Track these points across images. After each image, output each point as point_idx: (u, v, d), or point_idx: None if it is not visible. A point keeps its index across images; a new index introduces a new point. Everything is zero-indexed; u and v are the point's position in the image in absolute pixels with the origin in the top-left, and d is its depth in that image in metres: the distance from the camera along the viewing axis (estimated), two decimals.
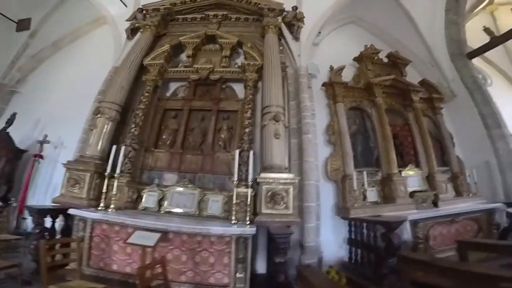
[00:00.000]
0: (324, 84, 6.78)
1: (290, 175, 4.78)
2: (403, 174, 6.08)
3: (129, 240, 3.64)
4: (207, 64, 6.45)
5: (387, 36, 8.38)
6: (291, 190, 4.53)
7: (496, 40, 7.74)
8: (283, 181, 4.55)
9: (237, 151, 4.96)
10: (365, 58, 7.18)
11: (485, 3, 10.03)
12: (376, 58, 7.40)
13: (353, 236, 5.44)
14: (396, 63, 7.50)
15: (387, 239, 4.42)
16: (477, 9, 9.74)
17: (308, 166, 5.70)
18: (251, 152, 4.98)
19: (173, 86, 6.82)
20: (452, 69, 7.82)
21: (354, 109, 6.80)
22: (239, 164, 4.84)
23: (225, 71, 6.43)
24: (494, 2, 10.16)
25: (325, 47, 7.62)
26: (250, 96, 5.92)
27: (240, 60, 6.57)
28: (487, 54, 9.12)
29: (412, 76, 7.66)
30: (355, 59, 7.38)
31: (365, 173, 5.79)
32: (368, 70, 7.09)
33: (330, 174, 5.99)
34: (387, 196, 5.86)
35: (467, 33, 8.02)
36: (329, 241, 5.64)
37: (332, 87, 6.59)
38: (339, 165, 6.03)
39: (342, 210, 5.64)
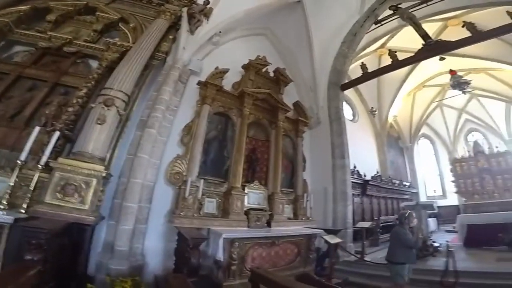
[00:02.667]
0: (199, 83, 6.37)
1: (98, 167, 4.12)
2: (246, 189, 6.02)
3: None
4: (70, 34, 5.63)
5: (288, 55, 8.59)
6: (93, 183, 4.02)
7: (366, 76, 8.61)
8: (86, 171, 3.99)
9: (37, 128, 4.05)
10: (251, 67, 7.06)
11: (376, 46, 11.24)
12: (263, 70, 7.37)
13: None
14: (279, 79, 7.61)
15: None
16: (368, 50, 10.82)
17: (139, 163, 5.02)
18: (57, 133, 4.20)
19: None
20: (325, 97, 8.39)
21: (221, 114, 6.52)
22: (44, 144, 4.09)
23: (87, 45, 5.64)
24: (385, 46, 11.30)
25: (227, 50, 7.37)
26: (95, 75, 5.21)
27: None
28: None
29: (292, 96, 7.94)
30: (243, 66, 7.20)
31: (202, 181, 5.47)
32: (249, 80, 6.97)
33: (169, 176, 5.48)
34: (225, 210, 5.68)
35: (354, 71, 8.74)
36: (158, 248, 5.10)
37: (206, 87, 6.22)
38: (183, 169, 5.60)
39: (170, 217, 5.16)
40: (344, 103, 12.40)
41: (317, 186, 7.40)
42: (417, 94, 15.50)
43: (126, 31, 6.01)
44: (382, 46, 11.31)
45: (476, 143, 14.61)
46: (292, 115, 7.68)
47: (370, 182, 10.53)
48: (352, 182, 9.36)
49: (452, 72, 11.02)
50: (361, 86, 13.17)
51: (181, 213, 5.06)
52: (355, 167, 10.14)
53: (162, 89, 5.76)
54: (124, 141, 5.15)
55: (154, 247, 5.03)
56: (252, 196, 6.09)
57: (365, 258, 6.34)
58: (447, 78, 12.76)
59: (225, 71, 6.51)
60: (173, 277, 3.78)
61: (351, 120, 12.78)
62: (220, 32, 7.00)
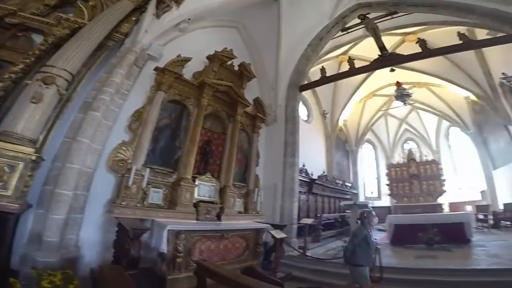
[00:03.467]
0: (156, 69, 5.94)
1: (27, 149, 3.68)
2: (197, 181, 5.89)
3: None
4: (16, 6, 4.95)
5: (256, 51, 8.54)
6: (20, 167, 3.62)
7: (324, 79, 9.03)
8: (12, 153, 3.57)
9: None
10: (216, 59, 6.84)
11: (338, 52, 11.67)
12: (228, 63, 7.19)
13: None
14: (243, 74, 7.52)
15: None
16: (330, 55, 11.22)
17: (78, 147, 4.55)
18: None
19: None
20: (285, 96, 8.58)
21: (176, 103, 6.20)
22: None
23: (32, 18, 4.99)
24: (347, 54, 11.73)
25: (194, 39, 7.02)
26: (37, 51, 4.68)
27: None
28: None
29: (254, 92, 7.98)
30: (208, 57, 6.92)
31: (148, 170, 5.20)
32: (212, 71, 6.77)
33: (111, 163, 5.07)
34: (172, 201, 5.48)
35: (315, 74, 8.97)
36: (95, 240, 4.71)
37: (163, 73, 5.84)
38: (128, 156, 5.23)
39: (110, 207, 4.80)
40: (301, 103, 12.90)
41: (268, 182, 7.59)
42: (367, 102, 16.70)
43: (83, 8, 5.42)
44: (344, 53, 11.85)
45: (410, 151, 16.46)
46: (251, 111, 7.70)
47: (316, 181, 11.12)
48: (300, 180, 9.80)
49: (398, 84, 12.07)
50: (318, 89, 13.69)
51: (122, 203, 4.75)
52: (304, 166, 10.60)
53: (114, 71, 5.31)
54: (63, 123, 4.64)
55: (91, 239, 4.65)
56: (203, 188, 5.98)
57: (307, 253, 6.67)
58: (394, 89, 14.01)
59: (187, 60, 6.21)
60: (108, 269, 3.55)
61: (305, 121, 13.28)
62: (189, 19, 6.66)
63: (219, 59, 6.83)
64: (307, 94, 13.38)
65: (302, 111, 13.22)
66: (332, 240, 9.07)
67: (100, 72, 5.36)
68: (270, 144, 8.20)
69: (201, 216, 5.64)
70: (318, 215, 9.80)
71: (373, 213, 4.31)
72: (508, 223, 10.70)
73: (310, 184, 10.76)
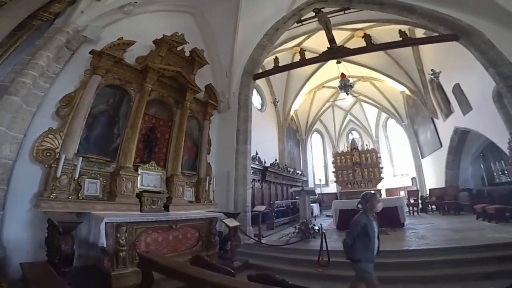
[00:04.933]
0: (92, 52, 5.27)
1: None
2: (140, 170, 5.47)
3: None
4: None
5: (211, 38, 8.23)
6: None
7: (277, 69, 9.17)
8: None
9: None
10: (164, 43, 6.33)
11: (293, 44, 11.96)
12: (178, 48, 6.72)
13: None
14: (194, 60, 7.12)
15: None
16: (285, 46, 11.32)
17: None
18: None
19: None
20: (238, 84, 8.48)
21: (115, 87, 5.63)
22: None
23: None
24: (301, 45, 12.08)
25: (142, 22, 6.48)
26: None
27: None
28: None
29: (207, 79, 7.73)
30: (154, 41, 6.38)
31: (80, 159, 4.64)
32: (158, 56, 6.27)
33: (36, 153, 4.42)
34: (112, 192, 5.01)
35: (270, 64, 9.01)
36: (24, 239, 4.13)
37: (100, 57, 5.22)
38: (56, 145, 4.61)
39: (37, 201, 4.20)
40: (255, 93, 13.04)
41: (221, 170, 7.43)
42: (317, 93, 17.48)
43: None
44: (298, 45, 12.17)
45: (353, 141, 17.65)
46: (202, 97, 7.42)
47: (269, 169, 11.31)
48: (254, 168, 9.89)
49: (342, 75, 12.77)
50: (272, 79, 14.10)
51: (51, 196, 4.18)
52: (257, 153, 10.68)
53: (38, 54, 4.65)
54: None
55: (18, 237, 4.06)
56: (147, 178, 5.58)
57: (262, 241, 6.71)
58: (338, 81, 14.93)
59: (130, 43, 5.69)
60: (30, 266, 3.10)
61: (259, 110, 13.37)
62: (135, 2, 6.10)
63: (167, 44, 6.36)
64: (261, 83, 13.54)
65: (256, 100, 13.31)
66: (285, 227, 9.28)
67: (22, 54, 4.68)
68: (222, 132, 8.05)
69: (145, 207, 5.26)
70: (272, 202, 9.92)
71: (378, 196, 3.56)
72: (433, 207, 12.22)
73: (263, 172, 10.89)
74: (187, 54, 7.00)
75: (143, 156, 5.91)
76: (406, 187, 16.28)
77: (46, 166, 4.46)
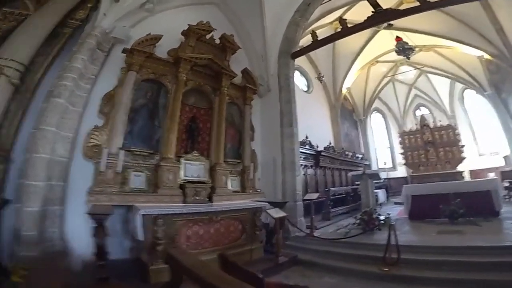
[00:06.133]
0: (124, 51, 5.42)
1: None
2: (183, 161, 5.37)
3: None
4: None
5: (240, 24, 7.92)
6: None
7: (316, 44, 8.23)
8: None
9: None
10: (191, 33, 6.16)
11: (332, 18, 10.77)
12: (208, 37, 6.53)
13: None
14: (225, 46, 6.82)
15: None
16: (323, 22, 10.36)
17: (42, 135, 4.22)
18: None
19: None
20: (276, 65, 7.93)
21: (151, 81, 5.68)
22: None
23: None
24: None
25: (168, 18, 6.48)
26: None
27: None
28: None
29: (243, 65, 7.40)
30: (183, 33, 6.27)
31: (122, 153, 4.74)
32: (189, 46, 6.12)
33: (85, 150, 4.69)
34: (157, 184, 5.02)
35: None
36: (85, 231, 4.21)
37: (132, 54, 5.32)
38: (102, 141, 4.82)
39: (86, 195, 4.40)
40: (299, 74, 12.27)
41: (267, 157, 7.02)
42: (371, 68, 15.69)
43: (27, 1, 5.02)
44: (338, 19, 10.63)
45: (422, 117, 15.41)
46: (240, 83, 7.11)
47: (322, 153, 10.38)
48: (305, 153, 9.22)
49: (397, 38, 11.19)
50: (316, 59, 13.05)
51: (97, 189, 4.36)
52: (307, 137, 9.92)
53: (74, 57, 4.93)
54: (31, 116, 4.62)
55: (79, 230, 4.28)
56: (190, 168, 5.47)
57: (314, 234, 6.09)
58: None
59: (157, 37, 5.63)
60: None
61: (305, 91, 12.49)
62: None
63: (195, 33, 6.16)
64: (305, 65, 12.62)
65: (301, 82, 12.49)
66: (344, 217, 8.35)
67: (64, 61, 5.03)
68: (265, 116, 7.61)
69: (189, 198, 5.14)
70: (327, 190, 9.08)
71: None
72: None
73: (316, 156, 10.05)
74: (218, 41, 6.75)
75: (187, 146, 5.83)
76: (498, 168, 13.55)
77: (94, 162, 4.68)
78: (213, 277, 1.97)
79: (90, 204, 4.26)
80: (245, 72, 7.19)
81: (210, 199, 5.49)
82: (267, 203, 5.75)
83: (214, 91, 6.49)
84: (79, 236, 4.28)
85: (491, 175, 12.78)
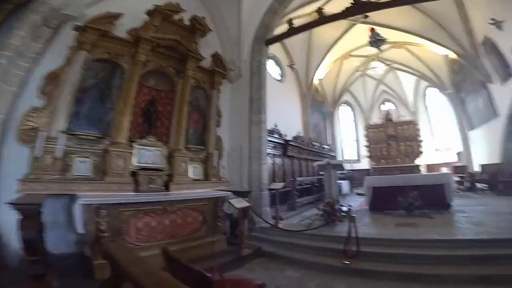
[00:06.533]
0: (76, 28, 4.76)
1: None
2: (136, 146, 4.88)
3: None
4: None
5: (214, 6, 7.39)
6: None
7: (292, 31, 7.97)
8: None
9: None
10: (157, 13, 5.57)
11: (311, 9, 10.21)
12: (176, 18, 5.95)
13: None
14: (196, 28, 6.29)
15: None
16: (302, 12, 9.84)
17: None
18: None
19: None
20: (250, 51, 7.59)
21: (105, 61, 5.05)
22: None
23: None
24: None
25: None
26: None
27: None
28: None
29: (215, 48, 7.00)
30: (147, 12, 5.61)
31: (64, 136, 4.20)
32: (153, 26, 5.53)
33: (21, 134, 4.07)
34: (105, 171, 4.52)
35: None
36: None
37: (85, 31, 4.69)
38: (41, 123, 4.19)
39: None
40: (273, 63, 11.94)
41: (234, 145, 6.73)
42: (344, 62, 15.83)
43: None
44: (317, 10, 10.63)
45: (387, 112, 15.95)
46: (209, 66, 6.65)
47: (291, 143, 10.27)
48: (273, 142, 9.03)
49: (372, 30, 11.32)
50: (291, 49, 12.83)
51: (31, 177, 3.80)
52: (276, 126, 9.73)
53: (11, 33, 4.24)
54: None
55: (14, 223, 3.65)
56: (145, 154, 5.01)
57: (279, 225, 5.96)
58: (372, 50, 13.41)
59: (116, 15, 5.03)
60: None
61: (278, 80, 12.22)
62: None
63: (161, 13, 5.60)
64: (280, 53, 12.32)
65: (275, 71, 12.18)
66: (309, 208, 8.35)
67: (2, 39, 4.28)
68: (234, 102, 7.28)
69: (142, 186, 4.73)
70: (292, 179, 8.98)
71: None
72: (485, 185, 10.54)
73: (284, 146, 9.91)
74: (187, 23, 6.20)
75: (143, 131, 5.34)
76: (450, 163, 14.54)
77: (30, 146, 4.07)
78: (146, 276, 1.66)
79: (23, 194, 3.70)
80: (215, 56, 6.74)
81: (167, 187, 5.10)
82: (230, 193, 5.50)
83: (178, 73, 6.00)
84: (14, 229, 3.68)
85: (445, 170, 13.68)
